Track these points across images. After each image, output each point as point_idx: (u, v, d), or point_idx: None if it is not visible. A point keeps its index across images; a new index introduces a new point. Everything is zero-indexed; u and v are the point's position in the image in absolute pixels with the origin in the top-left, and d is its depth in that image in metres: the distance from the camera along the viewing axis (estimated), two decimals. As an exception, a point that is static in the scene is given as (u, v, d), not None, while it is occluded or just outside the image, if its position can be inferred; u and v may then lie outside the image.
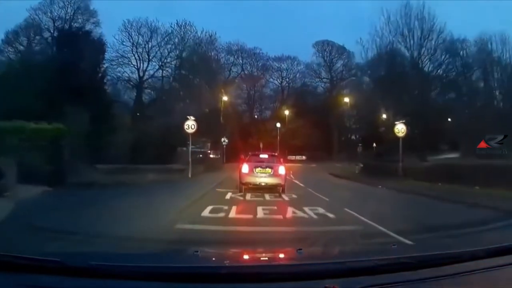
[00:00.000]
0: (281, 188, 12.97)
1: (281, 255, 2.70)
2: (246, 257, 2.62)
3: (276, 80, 55.62)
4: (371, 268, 1.85)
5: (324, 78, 53.86)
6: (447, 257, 2.01)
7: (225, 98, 38.05)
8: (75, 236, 4.82)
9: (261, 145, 34.01)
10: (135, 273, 1.83)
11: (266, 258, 2.53)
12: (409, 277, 1.79)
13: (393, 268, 1.86)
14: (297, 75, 55.32)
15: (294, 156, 42.76)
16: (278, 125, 44.70)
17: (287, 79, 55.61)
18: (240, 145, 33.43)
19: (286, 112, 46.79)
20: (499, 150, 15.35)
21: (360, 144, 38.68)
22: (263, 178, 12.90)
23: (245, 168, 13.19)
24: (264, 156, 15.04)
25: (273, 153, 16.58)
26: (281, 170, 13.19)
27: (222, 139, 34.21)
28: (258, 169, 13.03)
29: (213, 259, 2.58)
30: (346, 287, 1.68)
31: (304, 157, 44.16)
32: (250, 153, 15.82)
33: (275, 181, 12.98)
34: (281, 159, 20.00)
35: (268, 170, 13.03)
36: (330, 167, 32.52)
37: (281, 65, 54.51)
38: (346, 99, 44.08)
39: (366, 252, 2.71)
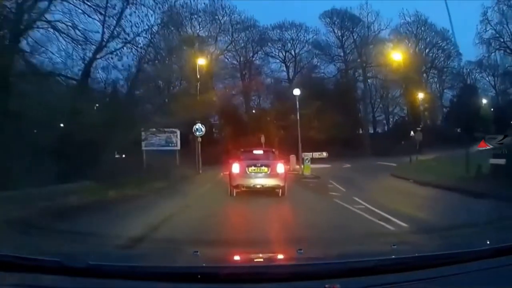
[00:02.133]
0: (280, 190, 11.13)
1: (281, 256, 2.70)
2: (246, 257, 2.62)
3: (279, 53, 41.79)
4: (371, 268, 1.84)
5: (335, 56, 41.50)
6: (448, 257, 2.01)
7: (201, 61, 25.42)
8: None
9: (262, 140, 26.00)
10: (135, 273, 1.83)
11: (267, 259, 2.53)
12: (409, 277, 1.79)
13: (393, 268, 1.86)
14: (305, 47, 41.17)
15: (311, 153, 31.40)
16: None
17: (293, 53, 41.63)
18: (232, 141, 25.76)
19: (297, 92, 32.74)
20: None
21: (418, 128, 26.35)
22: (258, 179, 11.17)
23: (235, 167, 11.26)
24: (258, 152, 12.85)
25: (270, 149, 14.51)
26: (280, 168, 11.37)
27: (195, 127, 21.35)
28: (251, 168, 11.20)
29: (213, 259, 2.58)
30: (346, 287, 1.68)
31: (325, 154, 32.76)
32: (242, 149, 13.25)
33: (273, 182, 11.17)
34: (297, 154, 14.12)
35: (264, 169, 11.23)
36: (384, 168, 21.15)
37: (283, 35, 40.94)
38: (397, 56, 32.58)
39: (366, 252, 2.71)
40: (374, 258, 2.02)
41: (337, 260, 2.15)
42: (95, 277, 1.78)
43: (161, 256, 2.91)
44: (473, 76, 39.28)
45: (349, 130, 35.81)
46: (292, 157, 22.21)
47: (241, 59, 41.00)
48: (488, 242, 2.39)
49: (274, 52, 41.87)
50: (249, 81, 40.81)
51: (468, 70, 38.92)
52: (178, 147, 21.66)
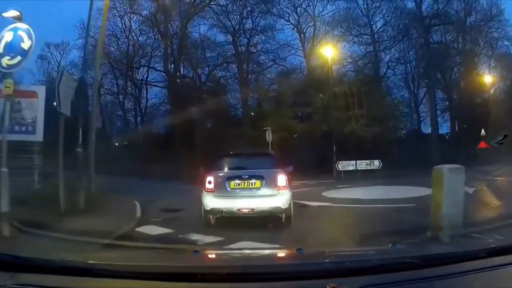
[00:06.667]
0: (283, 215, 7.50)
1: (281, 255, 2.71)
2: (246, 257, 2.63)
3: (290, 16, 28.48)
4: (371, 268, 1.85)
5: (361, 34, 29.27)
6: (448, 257, 2.01)
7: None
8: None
9: (269, 136, 17.92)
10: (135, 273, 1.84)
11: (266, 258, 2.53)
12: (409, 277, 1.79)
13: (393, 268, 1.86)
14: (329, 7, 28.14)
15: (352, 161, 20.57)
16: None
17: (310, 14, 28.32)
18: (221, 140, 18.52)
19: (328, 52, 22.99)
20: None
21: None
22: (245, 199, 7.46)
23: (209, 183, 7.64)
24: (245, 156, 8.94)
25: (264, 151, 11.28)
26: (281, 180, 7.56)
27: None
28: (234, 183, 7.55)
29: (213, 259, 2.58)
30: (346, 287, 1.68)
31: (377, 164, 20.45)
32: (219, 154, 9.04)
33: (270, 204, 7.40)
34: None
35: (255, 182, 7.55)
36: None
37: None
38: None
39: (366, 252, 2.72)
40: (374, 258, 2.02)
41: (336, 260, 2.15)
42: (95, 277, 1.79)
43: (161, 256, 2.92)
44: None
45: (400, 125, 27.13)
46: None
47: (236, 20, 28.61)
48: (485, 242, 2.40)
49: (284, 14, 28.47)
50: (247, 53, 28.27)
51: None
52: (37, 136, 9.34)
